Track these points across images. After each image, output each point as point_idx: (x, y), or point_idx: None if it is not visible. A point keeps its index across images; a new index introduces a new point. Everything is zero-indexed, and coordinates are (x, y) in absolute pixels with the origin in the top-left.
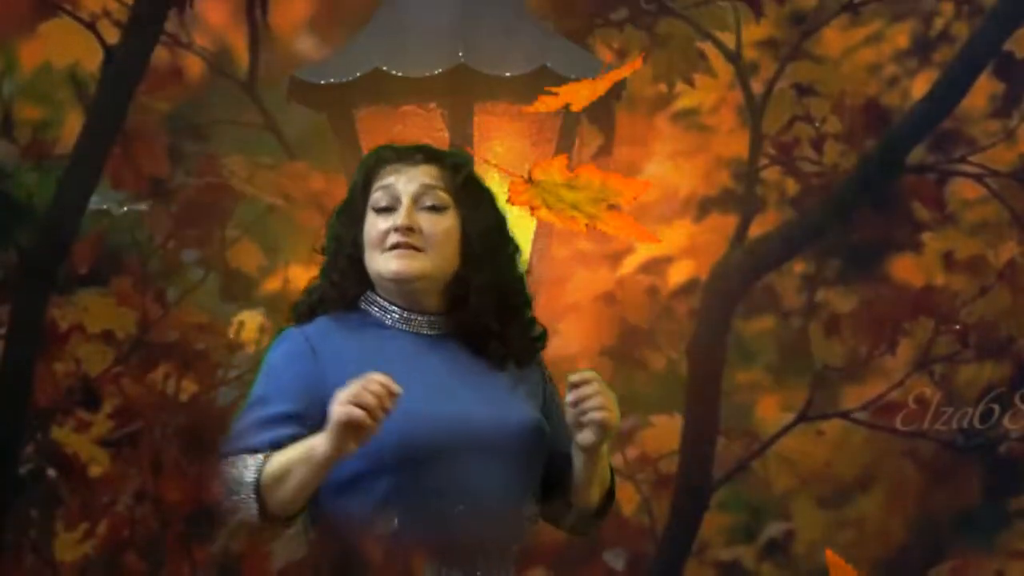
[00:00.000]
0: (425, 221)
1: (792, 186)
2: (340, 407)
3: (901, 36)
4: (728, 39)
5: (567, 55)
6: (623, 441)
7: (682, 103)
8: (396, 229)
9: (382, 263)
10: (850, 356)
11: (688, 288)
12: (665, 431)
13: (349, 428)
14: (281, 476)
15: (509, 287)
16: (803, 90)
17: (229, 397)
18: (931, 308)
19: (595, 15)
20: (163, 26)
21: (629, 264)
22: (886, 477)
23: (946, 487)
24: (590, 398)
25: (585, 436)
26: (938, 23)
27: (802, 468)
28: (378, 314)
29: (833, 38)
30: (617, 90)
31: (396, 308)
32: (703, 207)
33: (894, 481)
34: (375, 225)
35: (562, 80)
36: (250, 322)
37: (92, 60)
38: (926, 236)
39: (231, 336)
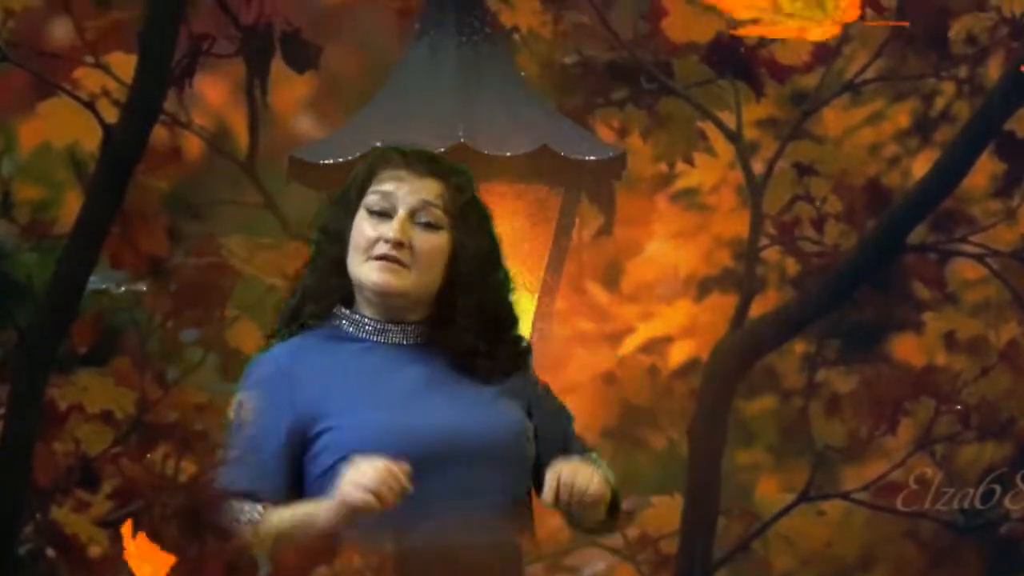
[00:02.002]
0: (417, 237)
1: (792, 266)
2: (356, 492)
3: (902, 115)
4: (728, 118)
5: (568, 134)
6: (624, 522)
7: (682, 183)
8: (387, 240)
9: (365, 272)
10: (851, 436)
11: (689, 368)
12: (665, 511)
13: (359, 512)
14: (276, 536)
15: (498, 311)
16: (804, 170)
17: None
18: (932, 388)
19: (596, 94)
20: (162, 105)
21: (629, 344)
22: (887, 558)
23: (947, 568)
24: (572, 493)
25: (588, 517)
26: (939, 103)
27: (803, 548)
28: (350, 328)
29: (834, 118)
30: (618, 170)
31: (368, 320)
32: (703, 287)
33: (895, 562)
34: (365, 229)
35: (563, 160)
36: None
37: (91, 139)
38: (927, 316)
39: (231, 417)
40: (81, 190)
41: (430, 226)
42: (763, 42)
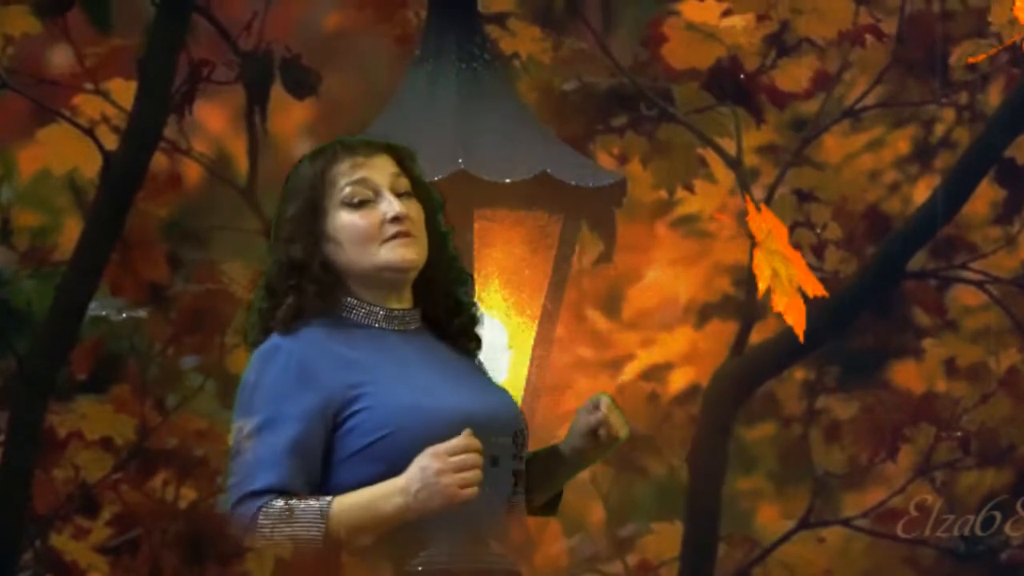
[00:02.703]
0: (407, 208)
1: None
2: (458, 492)
3: (902, 142)
4: (729, 145)
5: (568, 161)
6: (624, 548)
7: (683, 209)
8: (394, 219)
9: (385, 254)
10: (851, 463)
11: (689, 395)
12: (666, 538)
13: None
14: (358, 528)
15: (456, 263)
16: (804, 196)
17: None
18: (932, 415)
19: (596, 121)
20: (162, 132)
21: (630, 371)
22: None
23: None
24: (614, 417)
25: (597, 447)
26: (939, 129)
27: (803, 575)
28: (356, 316)
29: (834, 144)
30: (618, 197)
31: (379, 307)
32: (704, 314)
33: None
34: (356, 220)
35: (562, 186)
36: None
37: (91, 166)
38: (927, 343)
39: (230, 443)
40: (81, 217)
41: (408, 195)
42: (763, 68)
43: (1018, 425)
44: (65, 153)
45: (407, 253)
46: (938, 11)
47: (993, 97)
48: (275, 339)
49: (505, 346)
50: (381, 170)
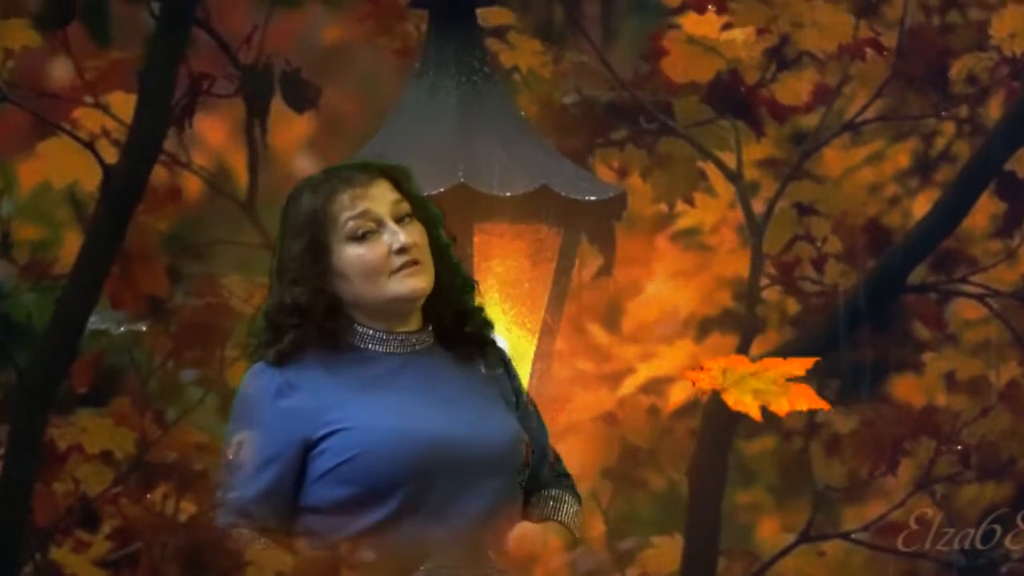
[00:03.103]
0: (411, 234)
1: (793, 306)
2: None
3: (902, 156)
4: (729, 158)
5: (567, 174)
6: (624, 562)
7: (683, 223)
8: (401, 250)
9: (394, 287)
10: (851, 476)
11: (689, 408)
12: (666, 552)
13: None
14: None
15: (460, 272)
16: (804, 209)
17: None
18: (932, 428)
19: (596, 134)
20: (162, 145)
21: (629, 384)
22: None
23: None
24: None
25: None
26: (939, 143)
27: None
28: (362, 341)
29: (834, 157)
30: (618, 210)
31: (383, 332)
32: (704, 327)
33: None
34: (363, 254)
35: (562, 200)
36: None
37: (91, 179)
38: (927, 356)
39: (230, 457)
40: (81, 230)
41: (408, 218)
42: (763, 82)
43: (1018, 439)
44: (65, 166)
45: (417, 283)
46: (938, 24)
47: (993, 110)
48: (266, 359)
49: None
50: (381, 199)
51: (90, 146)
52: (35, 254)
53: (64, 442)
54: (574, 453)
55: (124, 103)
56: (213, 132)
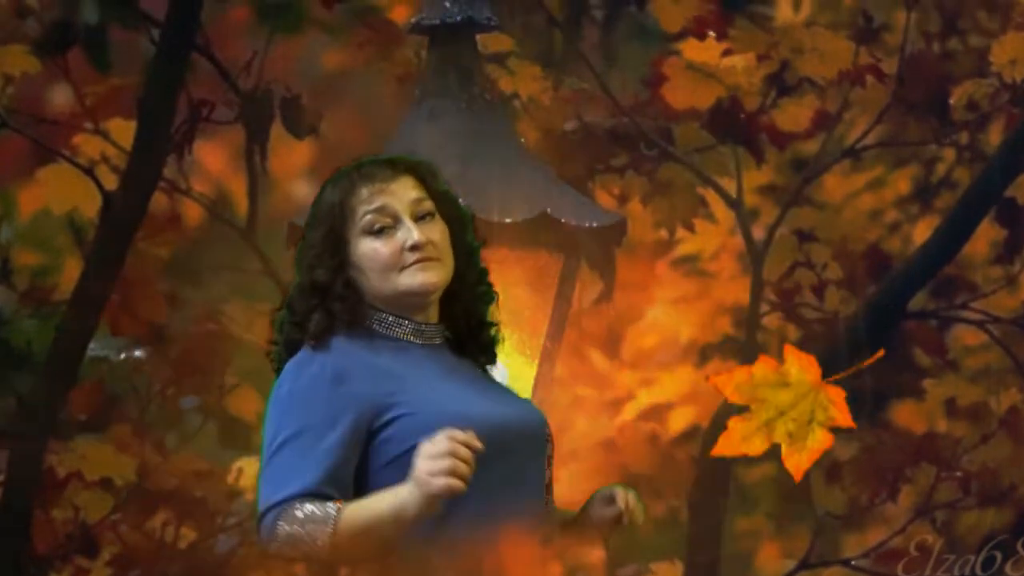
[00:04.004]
0: (428, 231)
1: (793, 332)
2: (438, 481)
3: (902, 182)
4: (729, 185)
5: (568, 201)
6: None
7: (683, 249)
8: (413, 247)
9: (405, 280)
10: (851, 503)
11: (689, 435)
12: None
13: (444, 496)
14: (364, 531)
15: (484, 277)
16: (804, 236)
17: (228, 545)
18: (933, 455)
19: (596, 160)
20: (161, 172)
21: (630, 411)
22: None
23: None
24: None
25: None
26: (940, 169)
27: None
28: (386, 329)
29: (834, 184)
30: (618, 237)
31: (407, 321)
32: (704, 354)
33: None
34: (378, 248)
35: (563, 226)
36: (249, 469)
37: (91, 206)
38: (927, 383)
39: (230, 483)
40: (80, 256)
41: (429, 216)
42: (763, 108)
43: (1019, 465)
44: (65, 193)
45: (428, 277)
46: (938, 51)
47: (994, 137)
48: (308, 351)
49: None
50: (400, 196)
51: (90, 172)
52: (35, 280)
53: (64, 468)
54: (574, 479)
55: (124, 129)
56: (213, 158)
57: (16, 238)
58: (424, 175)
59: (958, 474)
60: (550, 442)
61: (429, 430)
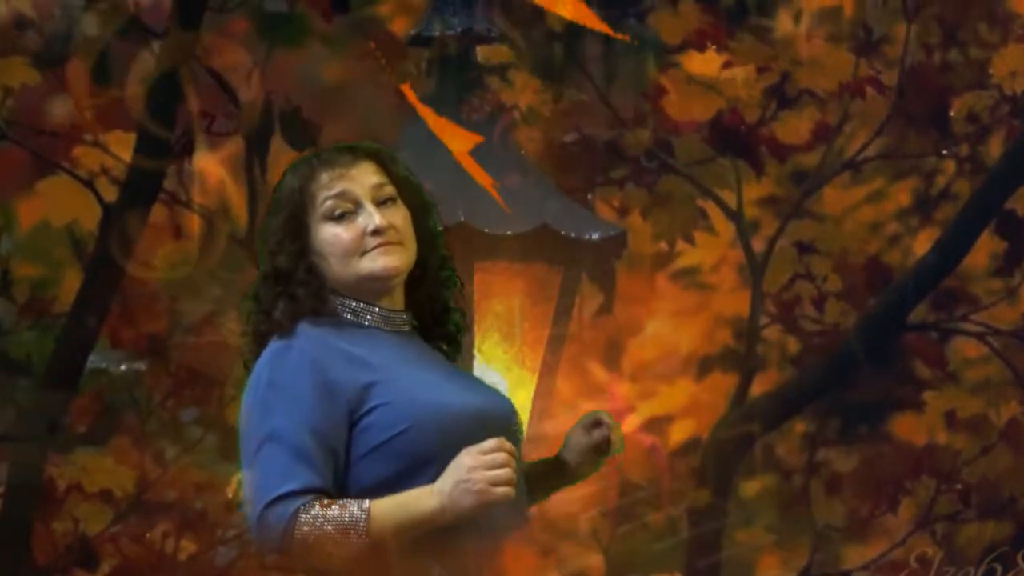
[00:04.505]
0: (390, 216)
1: (793, 345)
2: (500, 489)
3: (902, 194)
4: (729, 197)
5: (567, 213)
6: None
7: (683, 261)
8: (375, 231)
9: (367, 264)
10: (851, 515)
11: (689, 447)
12: None
13: (501, 505)
14: (395, 533)
15: (448, 264)
16: (804, 248)
17: (227, 557)
18: (933, 467)
19: (596, 173)
20: (161, 184)
21: (630, 423)
22: None
23: None
24: (616, 433)
25: (595, 463)
26: (940, 181)
27: None
28: (352, 315)
29: (834, 196)
30: (618, 249)
31: (374, 307)
32: (704, 366)
33: None
34: (339, 234)
35: (563, 238)
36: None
37: (91, 218)
38: (928, 395)
39: (230, 495)
40: (80, 268)
41: (391, 201)
42: (763, 120)
43: (1019, 477)
44: (65, 205)
45: (389, 261)
46: (939, 63)
47: (994, 148)
48: (280, 340)
49: None
50: (361, 181)
51: (90, 184)
52: (35, 292)
53: (63, 481)
54: (574, 491)
55: (124, 141)
56: (212, 170)
57: (16, 250)
58: (385, 160)
59: (958, 486)
60: (520, 428)
61: (408, 419)
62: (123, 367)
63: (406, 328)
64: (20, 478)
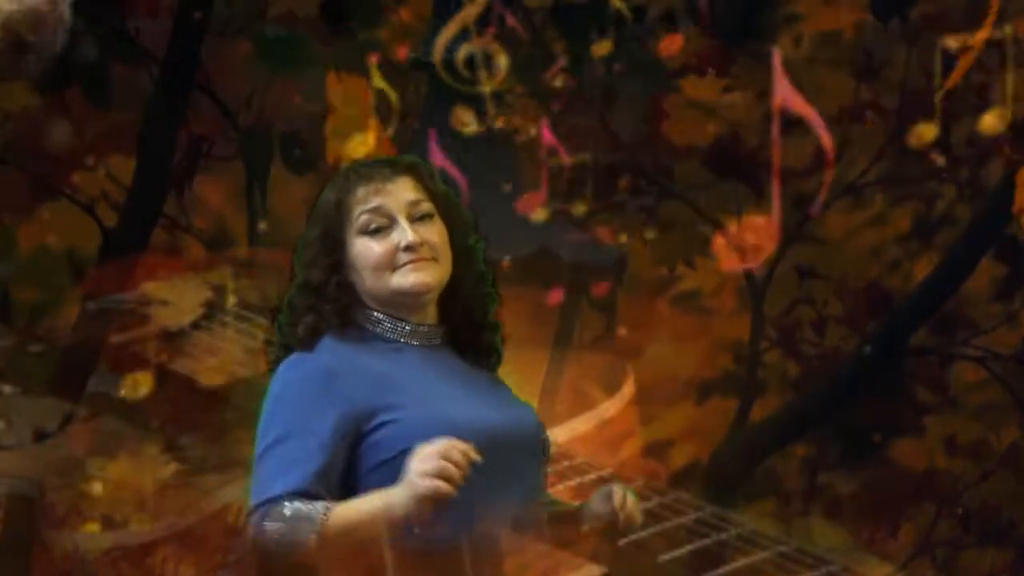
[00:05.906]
0: (425, 232)
1: (793, 369)
2: (424, 481)
3: (903, 219)
4: (730, 221)
5: (568, 237)
6: None
7: (683, 285)
8: (407, 248)
9: (397, 281)
10: (851, 540)
11: (689, 471)
12: None
13: (433, 500)
14: (351, 530)
15: (486, 279)
16: (805, 272)
17: None
18: (933, 492)
19: (596, 196)
20: (162, 208)
21: (630, 447)
22: None
23: None
24: (629, 507)
25: (615, 536)
26: (940, 206)
27: None
28: (382, 330)
29: (835, 220)
30: (618, 273)
31: (405, 322)
32: (704, 390)
33: None
34: (372, 248)
35: (563, 263)
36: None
37: (90, 242)
38: (928, 419)
39: (230, 520)
40: (80, 292)
41: (428, 217)
42: (764, 145)
43: (1019, 502)
44: (64, 229)
45: (420, 277)
46: (939, 88)
47: (994, 173)
48: (299, 352)
49: None
50: (397, 196)
51: (89, 209)
52: (34, 316)
53: (63, 505)
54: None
55: (124, 166)
56: (213, 195)
57: (14, 274)
58: (423, 175)
59: (958, 511)
60: (544, 447)
61: (415, 435)
62: (123, 391)
63: (437, 342)
64: (20, 502)
